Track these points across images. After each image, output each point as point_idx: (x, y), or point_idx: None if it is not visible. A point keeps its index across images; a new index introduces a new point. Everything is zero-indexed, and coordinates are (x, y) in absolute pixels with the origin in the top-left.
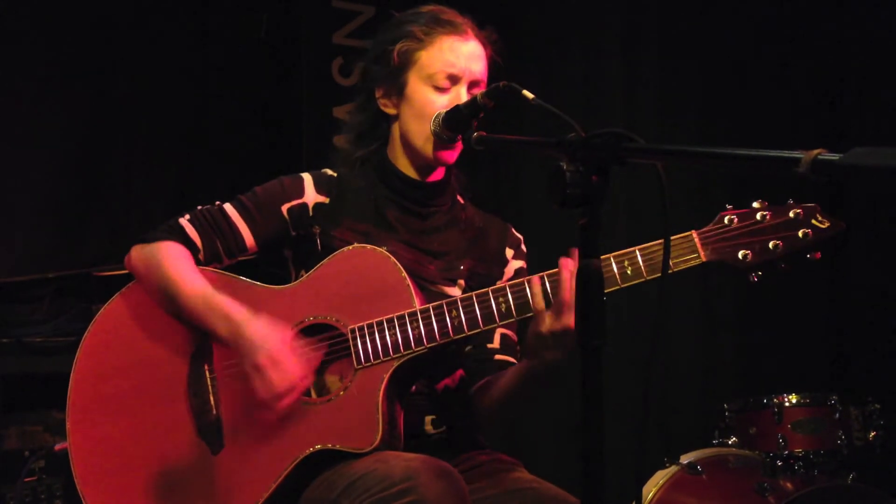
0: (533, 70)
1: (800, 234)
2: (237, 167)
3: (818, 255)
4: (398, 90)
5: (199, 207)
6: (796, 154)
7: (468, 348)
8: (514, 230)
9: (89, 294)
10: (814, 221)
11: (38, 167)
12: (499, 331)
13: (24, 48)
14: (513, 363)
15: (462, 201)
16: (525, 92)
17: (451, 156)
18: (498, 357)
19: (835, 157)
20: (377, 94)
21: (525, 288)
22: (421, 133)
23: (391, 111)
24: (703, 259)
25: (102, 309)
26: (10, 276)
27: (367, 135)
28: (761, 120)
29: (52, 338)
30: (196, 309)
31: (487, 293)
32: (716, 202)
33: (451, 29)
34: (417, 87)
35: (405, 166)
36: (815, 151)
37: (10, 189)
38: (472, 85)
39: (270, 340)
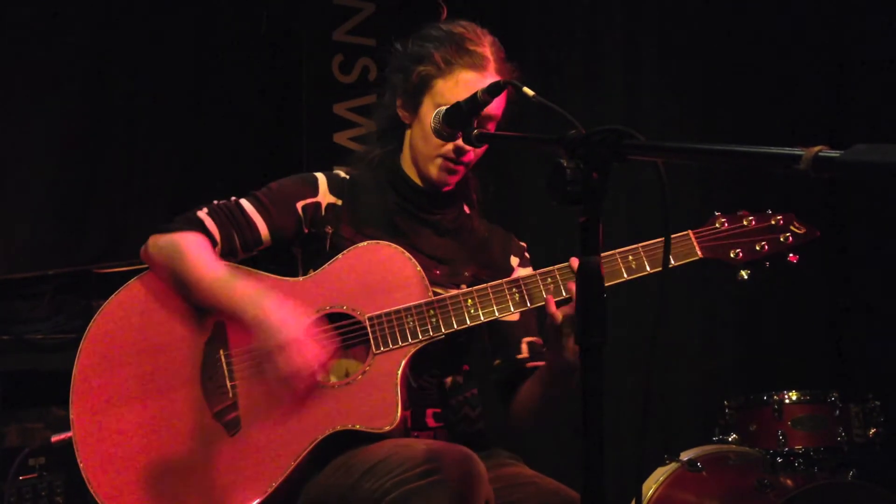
0: (533, 67)
1: (781, 237)
2: (237, 164)
3: (795, 258)
4: (413, 108)
5: (215, 202)
6: (797, 151)
7: (497, 362)
8: (516, 239)
9: (89, 291)
10: (792, 227)
11: (39, 164)
12: (525, 340)
13: (24, 46)
14: None
15: (468, 211)
16: (526, 89)
17: (452, 180)
18: (530, 365)
19: (836, 153)
20: (397, 103)
21: (538, 280)
22: (426, 154)
23: (406, 121)
24: (700, 256)
25: (110, 299)
26: (11, 272)
27: (387, 135)
28: (762, 117)
29: (52, 335)
30: (219, 294)
31: (502, 284)
32: (711, 206)
33: (470, 61)
34: (429, 112)
35: (413, 175)
36: (816, 148)
37: (11, 186)
38: (484, 119)
39: (293, 323)
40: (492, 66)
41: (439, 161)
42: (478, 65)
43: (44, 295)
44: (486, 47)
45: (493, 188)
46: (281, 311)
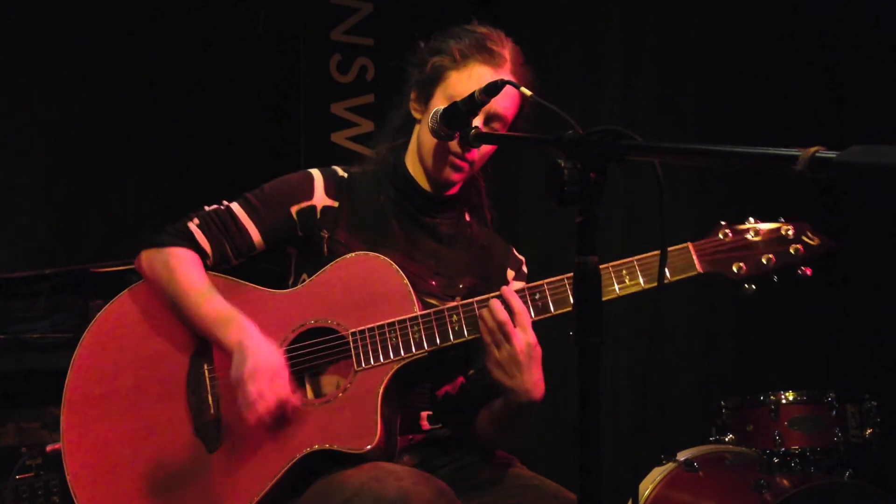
0: (531, 67)
1: (791, 249)
2: (235, 164)
3: (808, 270)
4: (425, 100)
5: (207, 209)
6: (794, 152)
7: (471, 372)
8: (515, 252)
9: (86, 291)
10: (804, 238)
11: (36, 164)
12: None
13: (21, 45)
14: None
15: (468, 218)
16: (523, 89)
17: (457, 178)
18: None
19: (832, 154)
20: (411, 96)
21: (526, 294)
22: (431, 148)
23: (417, 116)
24: (700, 270)
25: (105, 308)
26: (8, 272)
27: (398, 131)
28: (760, 118)
29: (49, 334)
30: (204, 323)
31: (488, 300)
32: (712, 212)
33: (488, 58)
34: (439, 104)
35: (416, 174)
36: (813, 149)
37: (8, 186)
38: (491, 118)
39: (261, 355)
40: (508, 66)
41: (446, 156)
42: (494, 62)
43: (41, 294)
44: (506, 49)
45: (491, 205)
46: (251, 340)
